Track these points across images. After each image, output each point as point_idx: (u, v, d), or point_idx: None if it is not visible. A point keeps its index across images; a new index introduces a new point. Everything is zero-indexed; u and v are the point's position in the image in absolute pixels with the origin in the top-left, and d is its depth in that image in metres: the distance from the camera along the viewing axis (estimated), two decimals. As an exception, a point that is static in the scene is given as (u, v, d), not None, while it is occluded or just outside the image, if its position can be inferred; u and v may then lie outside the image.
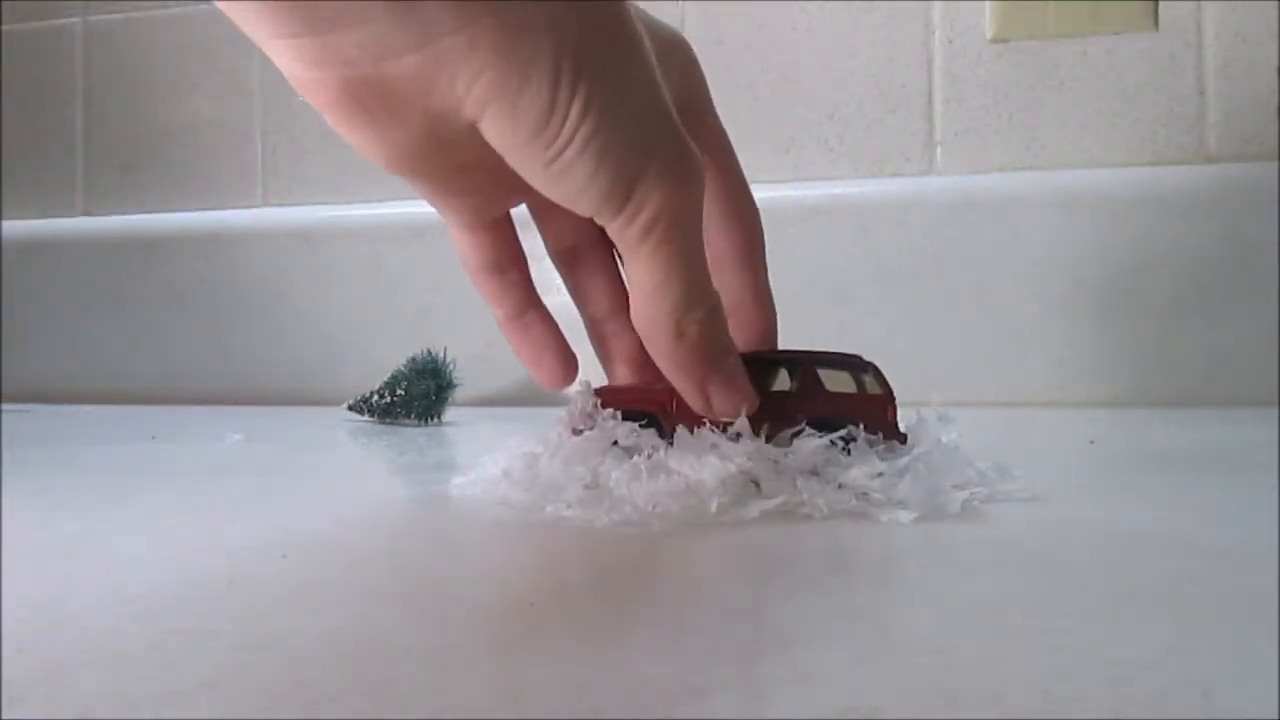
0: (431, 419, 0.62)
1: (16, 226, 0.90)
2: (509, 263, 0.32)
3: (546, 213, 0.33)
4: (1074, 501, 0.29)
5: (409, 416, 0.62)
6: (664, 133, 0.27)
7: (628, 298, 0.34)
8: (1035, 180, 0.70)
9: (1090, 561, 0.22)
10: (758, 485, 0.27)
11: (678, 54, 0.30)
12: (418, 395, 0.61)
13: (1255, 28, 0.67)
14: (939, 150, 0.72)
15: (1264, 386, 0.64)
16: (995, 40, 0.71)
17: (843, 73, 0.74)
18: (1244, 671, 0.14)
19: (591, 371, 0.34)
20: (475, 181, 0.30)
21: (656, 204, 0.26)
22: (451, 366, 0.63)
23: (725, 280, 0.32)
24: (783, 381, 0.30)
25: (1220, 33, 0.68)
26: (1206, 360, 0.66)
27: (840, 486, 0.27)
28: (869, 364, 0.32)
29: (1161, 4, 0.68)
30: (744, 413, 0.28)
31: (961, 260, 0.70)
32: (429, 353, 0.63)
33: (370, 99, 0.25)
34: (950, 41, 0.72)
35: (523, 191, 0.31)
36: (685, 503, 0.26)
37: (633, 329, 0.33)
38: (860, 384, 0.31)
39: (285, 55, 0.25)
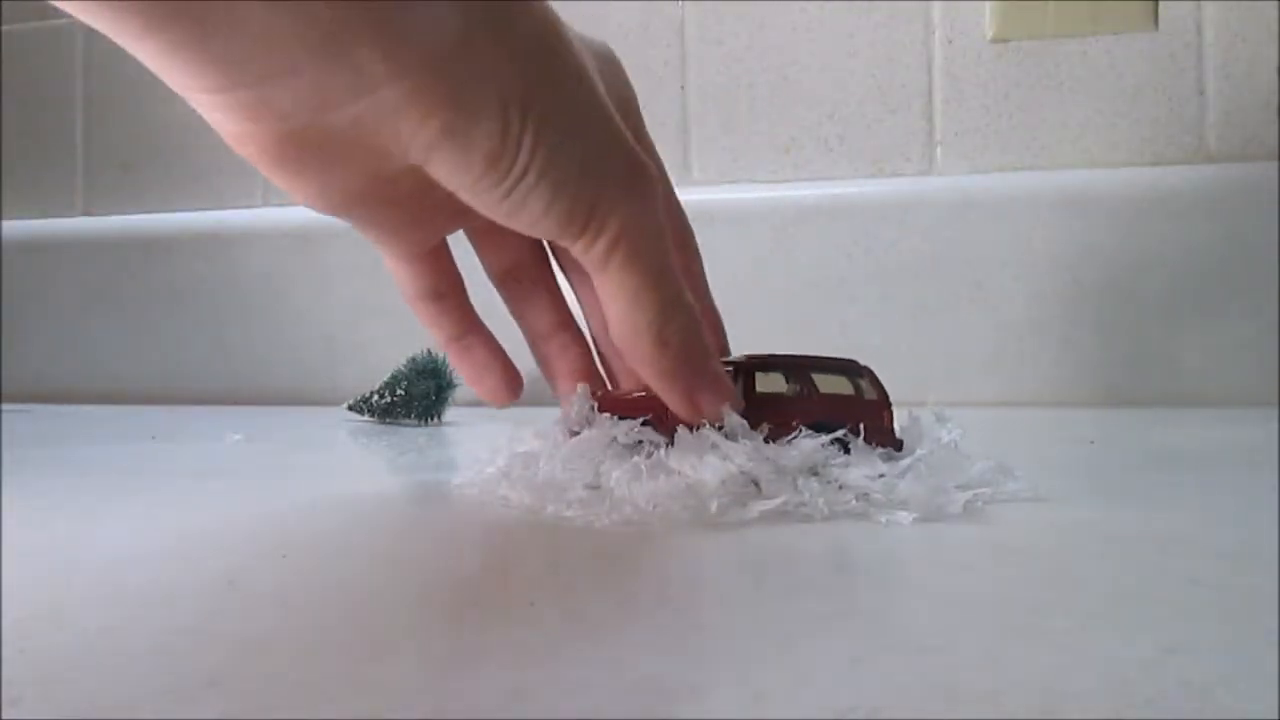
0: (431, 419, 0.62)
1: (16, 226, 0.90)
2: (447, 289, 0.32)
3: (484, 236, 0.33)
4: (1074, 501, 0.29)
5: (409, 416, 0.62)
6: (616, 150, 0.26)
7: (569, 314, 0.34)
8: (1035, 180, 0.70)
9: (1090, 561, 0.22)
10: (758, 485, 0.27)
11: (609, 70, 0.30)
12: (418, 395, 0.61)
13: (1255, 28, 0.67)
14: (939, 150, 0.72)
15: (1264, 386, 0.64)
16: (995, 40, 0.71)
17: (843, 73, 0.74)
18: (1244, 671, 0.14)
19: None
20: (412, 214, 0.29)
21: (619, 222, 0.26)
22: (451, 367, 0.63)
23: None
24: (779, 386, 0.30)
25: (1220, 33, 0.68)
26: (1206, 360, 0.66)
27: (841, 487, 0.27)
28: (865, 368, 0.32)
29: (1161, 4, 0.68)
30: (733, 410, 0.28)
31: (961, 260, 0.70)
32: (429, 353, 0.63)
33: (306, 150, 0.24)
34: (950, 41, 0.72)
35: (459, 218, 0.30)
36: (685, 503, 0.26)
37: (576, 344, 0.33)
38: (857, 389, 0.31)
39: (214, 110, 0.24)
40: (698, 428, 0.28)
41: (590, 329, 0.34)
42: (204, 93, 0.23)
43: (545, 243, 0.34)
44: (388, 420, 0.62)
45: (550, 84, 0.25)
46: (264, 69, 0.22)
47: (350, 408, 0.64)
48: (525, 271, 0.33)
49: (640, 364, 0.28)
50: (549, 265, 0.34)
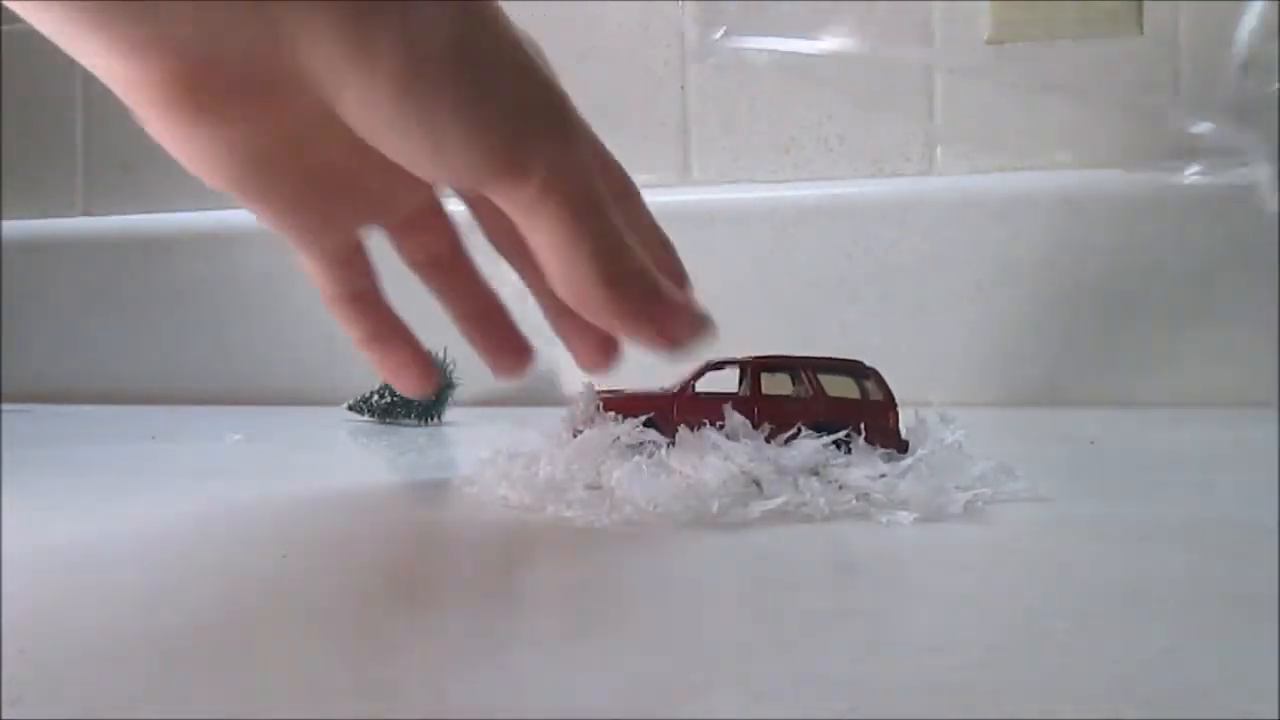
0: (431, 419, 0.62)
1: (16, 226, 0.90)
2: (365, 288, 0.32)
3: (402, 232, 0.33)
4: (1075, 501, 0.29)
5: (409, 416, 0.62)
6: (538, 89, 0.25)
7: (494, 295, 0.33)
8: (1035, 180, 0.70)
9: (1090, 561, 0.22)
10: (759, 485, 0.27)
11: (537, 55, 0.28)
12: (418, 395, 0.61)
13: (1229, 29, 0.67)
14: (939, 150, 0.72)
15: (1264, 386, 0.64)
16: (990, 42, 0.71)
17: (843, 73, 0.74)
18: (1244, 671, 0.14)
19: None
20: (324, 198, 0.28)
21: (545, 162, 0.24)
22: (451, 366, 0.63)
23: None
24: (785, 387, 0.30)
25: (1195, 33, 0.68)
26: (1206, 360, 0.66)
27: (841, 487, 0.27)
28: (871, 369, 0.32)
29: (1145, 6, 0.68)
30: (706, 334, 0.27)
31: (961, 260, 0.70)
32: (429, 353, 0.63)
33: (204, 91, 0.23)
34: (950, 42, 0.72)
35: (375, 210, 0.30)
36: (686, 503, 0.26)
37: (503, 324, 0.33)
38: (862, 390, 0.31)
39: (104, 53, 0.22)
40: (699, 427, 0.28)
41: (541, 303, 0.32)
42: (95, 31, 0.22)
43: (476, 218, 0.33)
44: (388, 420, 0.62)
45: (463, 14, 0.23)
46: None
47: (350, 408, 0.64)
48: (445, 259, 0.33)
49: (594, 312, 0.26)
50: (467, 252, 0.33)
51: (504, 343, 0.33)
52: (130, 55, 0.22)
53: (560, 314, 0.31)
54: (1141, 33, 0.69)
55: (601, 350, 0.30)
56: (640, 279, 0.26)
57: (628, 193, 0.31)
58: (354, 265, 0.31)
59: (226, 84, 0.23)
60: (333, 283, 0.31)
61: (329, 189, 0.27)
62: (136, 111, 0.24)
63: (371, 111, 0.23)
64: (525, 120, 0.25)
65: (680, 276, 0.31)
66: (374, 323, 0.32)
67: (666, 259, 0.31)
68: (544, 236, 0.25)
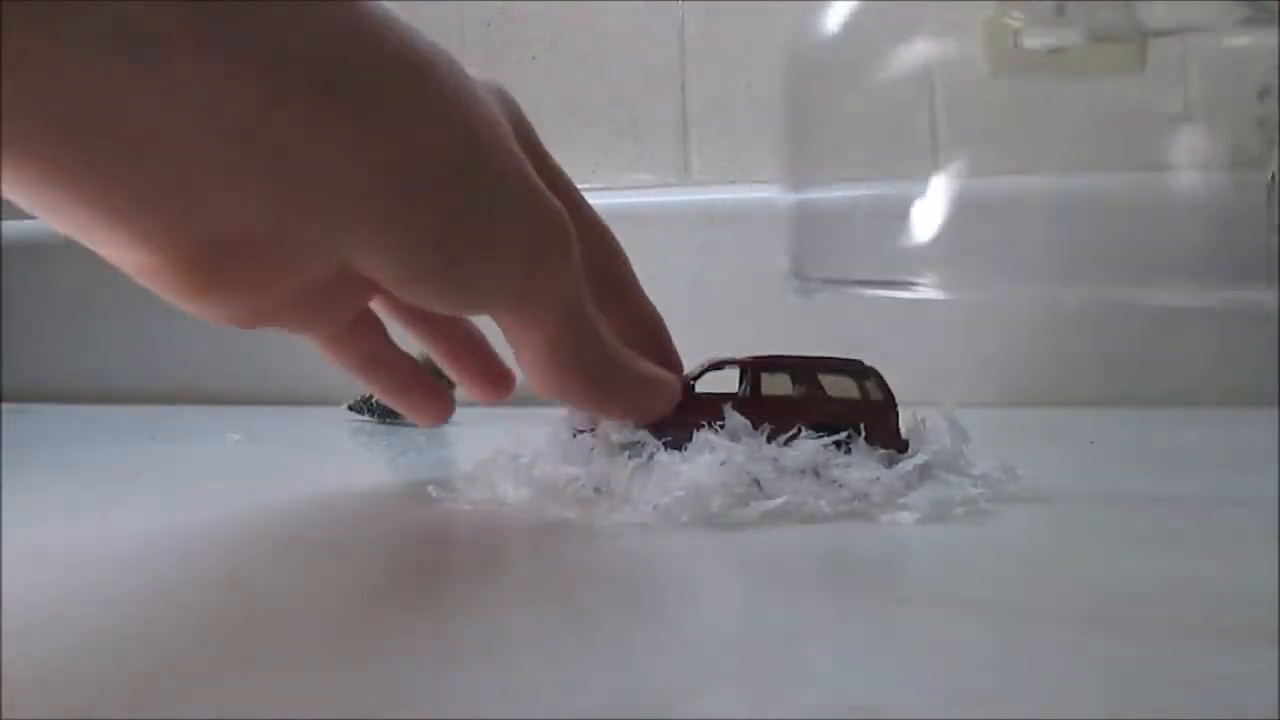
0: (432, 419, 0.62)
1: (16, 226, 0.90)
2: (378, 346, 0.32)
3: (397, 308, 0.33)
4: (1075, 501, 0.29)
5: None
6: (542, 206, 0.26)
7: (480, 335, 0.34)
8: (1035, 182, 0.69)
9: (1090, 561, 0.22)
10: (759, 485, 0.27)
11: (506, 108, 0.28)
12: (418, 395, 0.61)
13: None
14: (940, 151, 0.72)
15: (1264, 386, 0.64)
16: (992, 75, 0.71)
17: (843, 73, 0.74)
18: (1244, 671, 0.14)
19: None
20: (329, 299, 0.28)
21: (548, 283, 0.26)
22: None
23: (614, 309, 0.31)
24: (785, 387, 0.30)
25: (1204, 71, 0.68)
26: (1206, 360, 0.66)
27: (841, 487, 0.27)
28: (871, 370, 0.32)
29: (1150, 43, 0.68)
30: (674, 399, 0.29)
31: (961, 260, 0.70)
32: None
33: (224, 270, 0.23)
34: (948, 71, 0.72)
35: (371, 290, 0.29)
36: (686, 503, 0.26)
37: (492, 357, 0.34)
38: (863, 390, 0.31)
39: (122, 243, 0.22)
40: (699, 427, 0.28)
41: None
42: (117, 224, 0.21)
43: None
44: (388, 420, 0.62)
45: (471, 176, 0.24)
46: (183, 182, 0.21)
47: (350, 408, 0.64)
48: (437, 321, 0.33)
49: (581, 403, 0.29)
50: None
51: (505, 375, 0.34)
52: (157, 246, 0.22)
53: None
54: (1144, 70, 0.68)
55: (495, 381, 0.34)
56: (622, 371, 0.28)
57: (602, 247, 0.32)
58: (360, 332, 0.31)
59: (247, 262, 0.23)
60: (341, 357, 0.32)
61: (328, 291, 0.27)
62: (145, 284, 0.24)
63: (400, 269, 0.24)
64: (536, 246, 0.26)
65: (670, 357, 0.33)
66: (396, 376, 0.33)
67: (656, 344, 0.32)
68: (532, 348, 0.27)
